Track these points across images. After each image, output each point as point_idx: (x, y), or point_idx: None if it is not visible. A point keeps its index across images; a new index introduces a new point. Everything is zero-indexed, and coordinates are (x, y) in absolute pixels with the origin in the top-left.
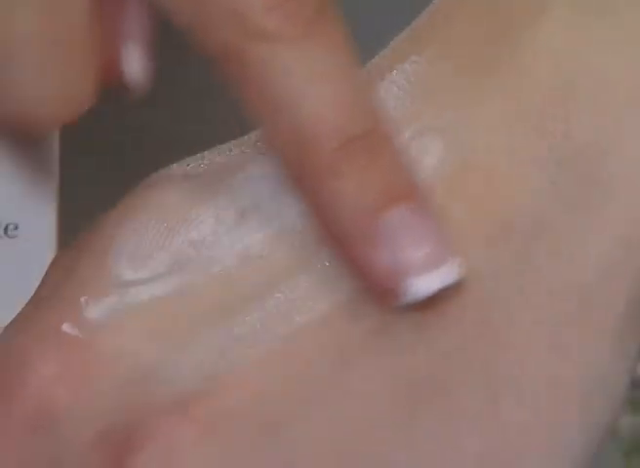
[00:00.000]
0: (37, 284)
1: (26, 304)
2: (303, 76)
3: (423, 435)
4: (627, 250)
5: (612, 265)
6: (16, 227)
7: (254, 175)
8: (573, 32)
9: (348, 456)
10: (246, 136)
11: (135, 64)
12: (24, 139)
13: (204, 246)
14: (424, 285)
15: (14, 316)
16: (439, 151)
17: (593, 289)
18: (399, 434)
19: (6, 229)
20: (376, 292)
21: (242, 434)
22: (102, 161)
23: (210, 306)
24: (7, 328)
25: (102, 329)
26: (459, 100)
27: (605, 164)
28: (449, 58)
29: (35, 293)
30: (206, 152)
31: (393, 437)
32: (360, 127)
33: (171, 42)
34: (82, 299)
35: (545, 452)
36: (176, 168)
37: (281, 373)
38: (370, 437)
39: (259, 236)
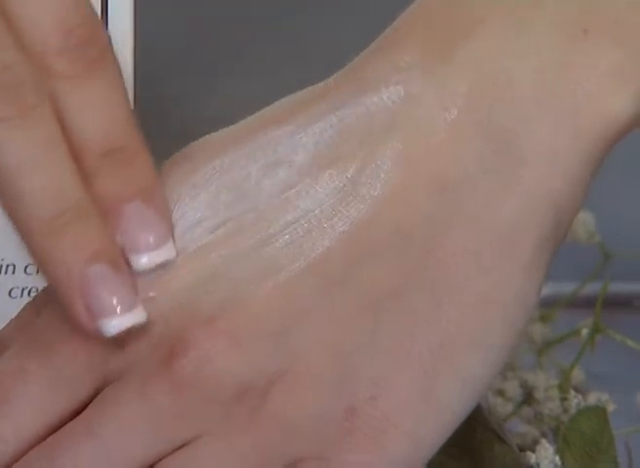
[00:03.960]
0: None
1: None
2: None
3: (386, 337)
4: (536, 202)
5: (525, 212)
6: None
7: (283, 132)
8: (496, 42)
9: (333, 355)
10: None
11: None
12: None
13: (230, 208)
14: (149, 261)
15: None
16: (398, 135)
17: (511, 229)
18: (368, 337)
19: None
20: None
21: (259, 341)
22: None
23: (227, 249)
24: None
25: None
26: (415, 102)
27: (517, 141)
28: (409, 61)
29: None
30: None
31: (363, 339)
32: (118, 142)
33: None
34: None
35: (474, 349)
36: (213, 134)
37: (285, 294)
38: (346, 340)
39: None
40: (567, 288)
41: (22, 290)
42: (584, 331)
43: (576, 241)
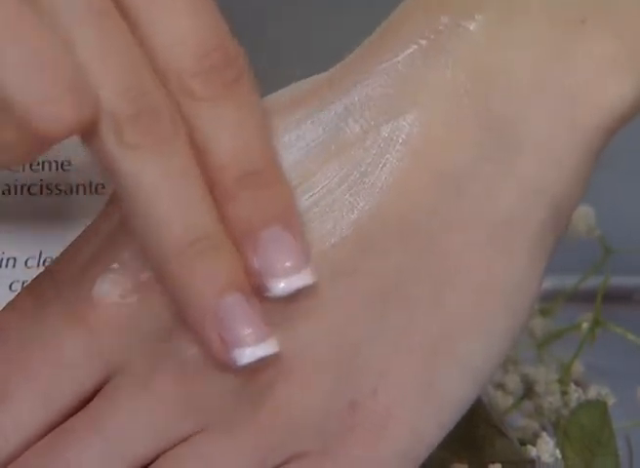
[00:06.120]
0: None
1: (95, 229)
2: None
3: (390, 329)
4: (535, 191)
5: (524, 201)
6: (103, 187)
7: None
8: (495, 31)
9: (338, 348)
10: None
11: None
12: None
13: None
14: (287, 286)
15: None
16: (408, 125)
17: (510, 218)
18: (372, 329)
19: (96, 188)
20: (253, 279)
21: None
22: None
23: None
24: (73, 253)
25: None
26: (417, 90)
27: (515, 130)
28: (407, 51)
29: (102, 222)
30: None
31: (368, 332)
32: (256, 166)
33: None
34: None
35: (475, 339)
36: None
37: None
38: (351, 332)
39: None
40: (567, 282)
41: (23, 283)
42: (585, 325)
43: (576, 235)
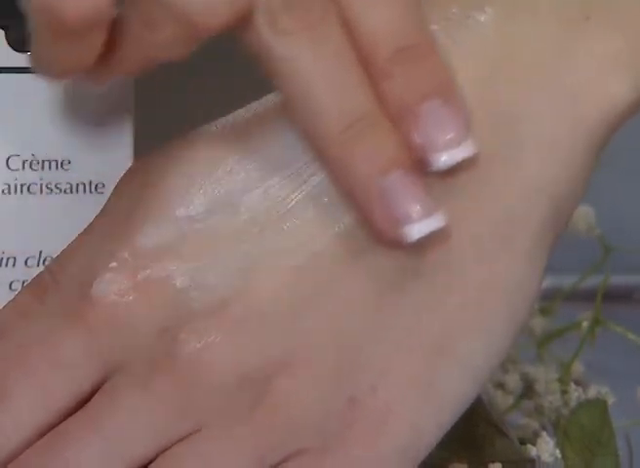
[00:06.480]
0: None
1: (94, 228)
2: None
3: (390, 327)
4: (536, 189)
5: (525, 199)
6: (103, 185)
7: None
8: (502, 26)
9: (338, 345)
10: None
11: None
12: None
13: (234, 193)
14: (449, 159)
15: None
16: None
17: (511, 215)
18: (373, 327)
19: (96, 187)
20: (414, 154)
21: (264, 330)
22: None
23: (232, 237)
24: (72, 252)
25: (154, 256)
26: None
27: (519, 127)
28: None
29: (101, 221)
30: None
31: (368, 329)
32: (410, 40)
33: None
34: (139, 233)
35: (476, 337)
36: (207, 127)
37: (290, 283)
38: (351, 330)
39: (276, 181)
40: (567, 280)
41: (23, 282)
42: (585, 324)
43: (576, 234)
